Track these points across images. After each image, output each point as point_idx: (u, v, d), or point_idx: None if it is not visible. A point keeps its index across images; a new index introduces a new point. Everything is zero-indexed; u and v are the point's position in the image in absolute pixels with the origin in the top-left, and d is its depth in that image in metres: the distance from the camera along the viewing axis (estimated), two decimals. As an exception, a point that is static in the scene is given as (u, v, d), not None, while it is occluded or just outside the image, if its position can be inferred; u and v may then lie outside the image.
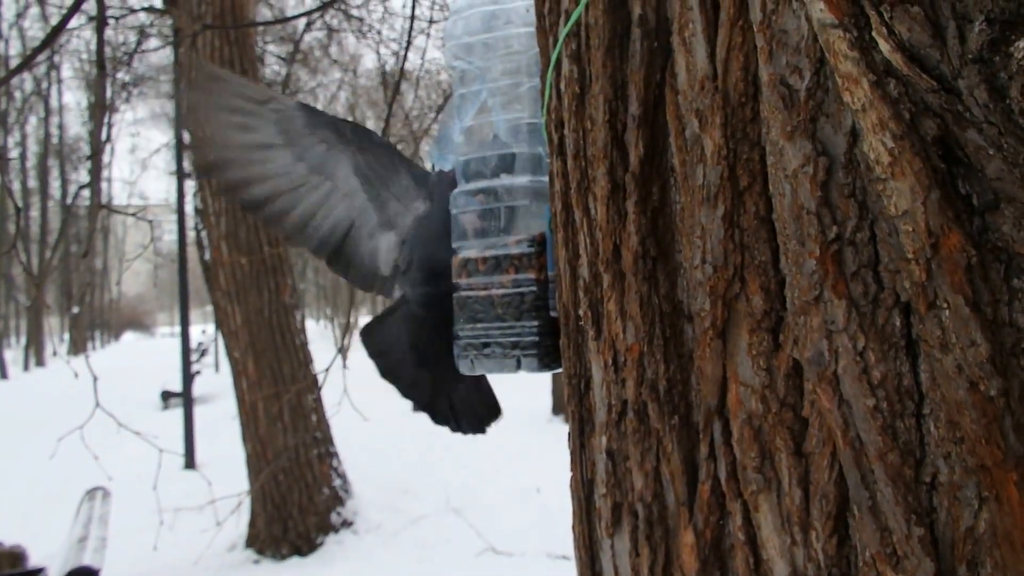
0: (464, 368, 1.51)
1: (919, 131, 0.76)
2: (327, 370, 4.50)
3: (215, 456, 12.16)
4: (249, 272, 8.76)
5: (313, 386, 9.13)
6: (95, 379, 3.84)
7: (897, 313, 0.80)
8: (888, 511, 0.80)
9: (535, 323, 1.41)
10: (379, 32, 15.07)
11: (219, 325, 9.39)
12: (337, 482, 9.43)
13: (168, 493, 7.24)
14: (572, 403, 1.15)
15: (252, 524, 9.06)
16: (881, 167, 0.78)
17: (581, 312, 1.11)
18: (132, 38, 17.26)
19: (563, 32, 1.11)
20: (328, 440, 9.42)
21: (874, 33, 0.75)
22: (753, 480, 0.90)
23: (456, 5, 1.57)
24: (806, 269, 0.84)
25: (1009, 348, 0.75)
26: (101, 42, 2.18)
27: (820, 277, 0.83)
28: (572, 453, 1.17)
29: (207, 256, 9.83)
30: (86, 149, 33.70)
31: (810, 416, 0.86)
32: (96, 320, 48.07)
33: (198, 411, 13.76)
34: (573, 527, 1.18)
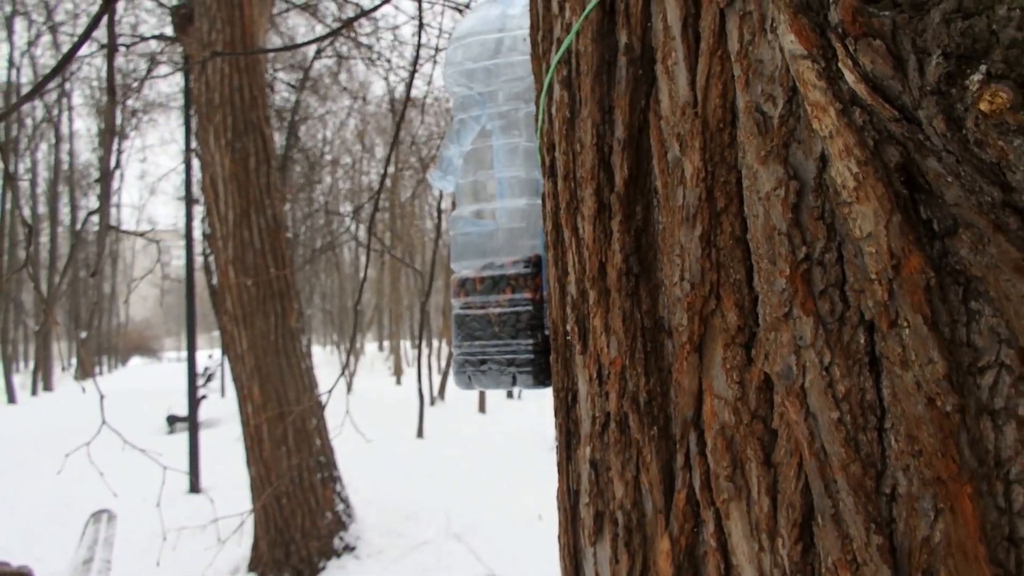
0: (461, 384, 1.55)
1: (882, 158, 0.80)
2: (330, 391, 4.54)
3: (220, 480, 12.19)
4: (256, 296, 8.80)
5: (317, 410, 9.15)
6: (102, 397, 3.88)
7: (862, 331, 0.84)
8: (849, 520, 0.84)
9: (530, 341, 1.45)
10: (388, 60, 15.21)
11: (225, 349, 9.42)
12: (340, 506, 9.44)
13: (173, 516, 7.27)
14: (560, 415, 1.19)
15: (255, 547, 9.06)
16: (847, 191, 0.82)
17: (568, 327, 1.15)
18: (143, 65, 17.44)
19: (555, 59, 1.16)
20: (332, 464, 9.44)
21: (840, 64, 0.80)
22: (725, 489, 0.94)
23: (458, 32, 1.62)
24: (777, 287, 0.88)
25: (966, 367, 0.79)
26: (111, 68, 2.23)
27: (790, 295, 0.87)
28: (559, 464, 1.21)
29: (214, 280, 9.88)
30: (96, 175, 33.83)
31: (779, 428, 0.90)
32: (104, 344, 48.06)
33: (204, 435, 13.79)
34: (559, 537, 1.22)
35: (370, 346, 55.69)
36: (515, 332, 1.46)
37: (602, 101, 1.07)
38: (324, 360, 37.95)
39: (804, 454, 0.87)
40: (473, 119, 1.58)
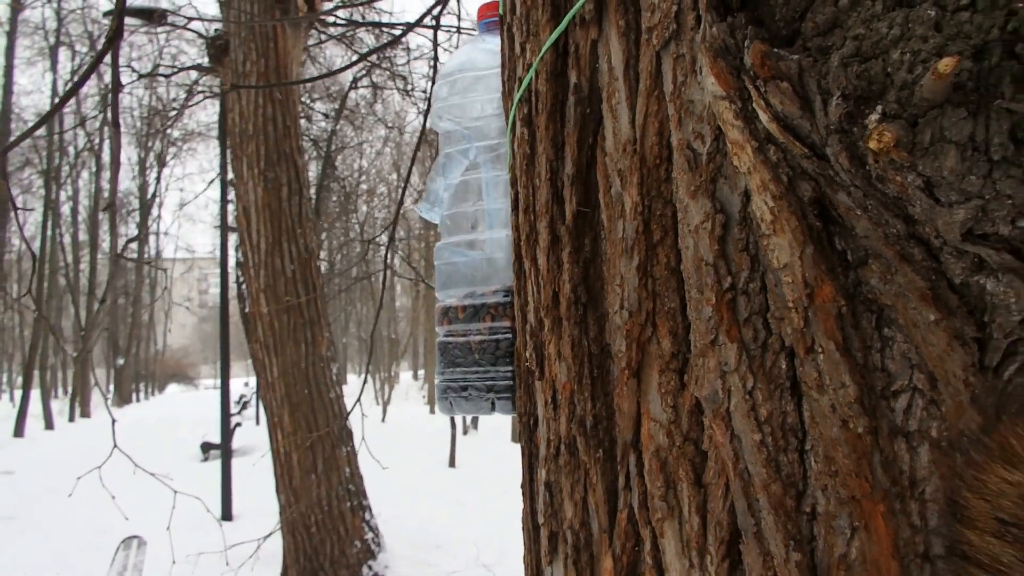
0: (444, 409, 1.59)
1: (796, 192, 0.85)
2: (348, 414, 4.60)
3: (252, 507, 12.24)
4: (287, 324, 8.86)
5: (347, 438, 9.20)
6: (114, 421, 3.96)
7: (783, 356, 0.88)
8: (770, 537, 0.88)
9: (509, 368, 1.48)
10: (424, 91, 15.29)
11: (257, 376, 9.49)
12: (369, 535, 9.46)
13: (203, 543, 7.32)
14: (523, 439, 1.24)
15: (284, 575, 9.11)
16: (765, 224, 0.87)
17: (528, 354, 1.20)
18: (183, 95, 17.70)
19: (516, 97, 1.21)
20: (361, 493, 9.46)
21: (754, 105, 0.84)
22: (659, 508, 0.98)
23: (445, 69, 1.67)
24: (704, 315, 0.93)
25: (880, 391, 0.83)
26: (116, 104, 2.30)
27: (716, 322, 0.92)
28: (522, 487, 1.25)
29: (248, 308, 9.97)
30: (135, 203, 34.21)
31: (709, 449, 0.94)
32: (141, 371, 48.36)
33: (237, 463, 13.84)
34: (524, 558, 1.26)
35: (404, 375, 55.76)
36: (495, 359, 1.50)
37: (555, 138, 1.12)
38: (358, 389, 38.03)
39: (730, 474, 0.91)
40: (460, 153, 1.62)
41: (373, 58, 14.47)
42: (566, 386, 1.10)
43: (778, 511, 0.87)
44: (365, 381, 4.91)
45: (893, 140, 0.71)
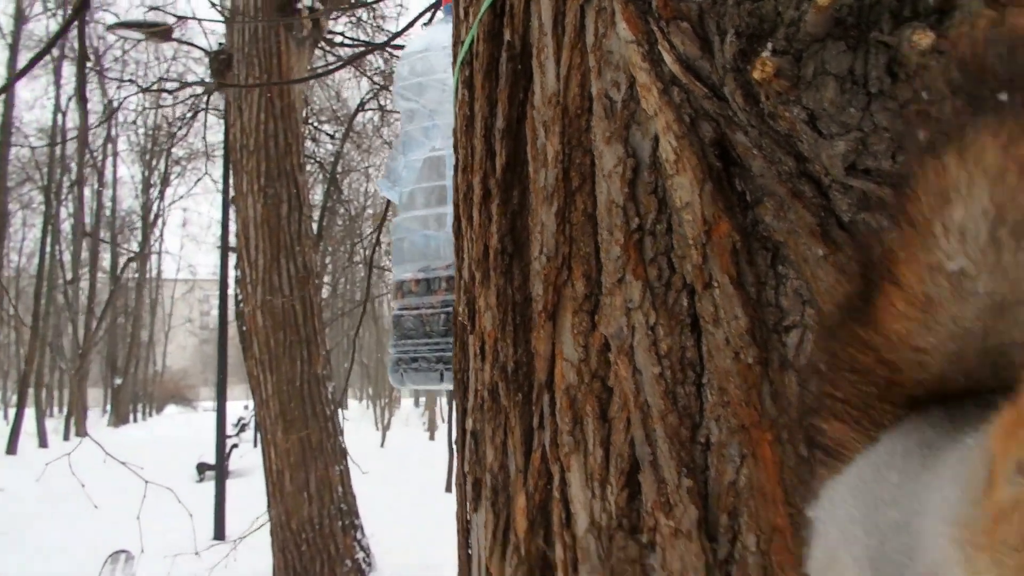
0: (395, 381, 1.63)
1: (698, 133, 0.88)
2: (337, 404, 4.64)
3: (246, 528, 12.22)
4: (282, 341, 8.85)
5: (340, 457, 9.18)
6: (86, 409, 4.00)
7: (685, 294, 0.91)
8: (664, 465, 0.91)
9: None
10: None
11: (252, 393, 9.46)
12: (360, 555, 9.42)
13: (195, 562, 7.33)
14: (457, 395, 1.27)
15: (272, 592, 9.08)
16: (669, 164, 0.91)
17: (461, 309, 1.23)
18: (188, 114, 17.81)
19: (459, 60, 1.25)
20: (353, 512, 9.43)
21: (659, 47, 0.88)
22: (567, 443, 1.01)
23: (408, 49, 1.71)
24: (613, 255, 0.97)
25: (772, 325, 0.86)
26: (82, 77, 2.36)
27: (624, 262, 0.95)
28: (457, 443, 1.28)
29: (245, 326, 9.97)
30: (138, 221, 34.22)
31: (614, 385, 0.97)
32: (139, 392, 48.06)
33: (234, 484, 13.81)
34: (456, 513, 1.29)
35: (406, 401, 55.68)
36: (444, 331, 1.54)
37: (490, 96, 1.16)
38: (359, 414, 37.97)
39: (631, 407, 0.95)
40: (420, 132, 1.67)
41: (378, 79, 14.52)
42: (491, 334, 1.13)
43: (673, 440, 0.91)
44: (351, 367, 4.94)
45: (774, 69, 0.75)
